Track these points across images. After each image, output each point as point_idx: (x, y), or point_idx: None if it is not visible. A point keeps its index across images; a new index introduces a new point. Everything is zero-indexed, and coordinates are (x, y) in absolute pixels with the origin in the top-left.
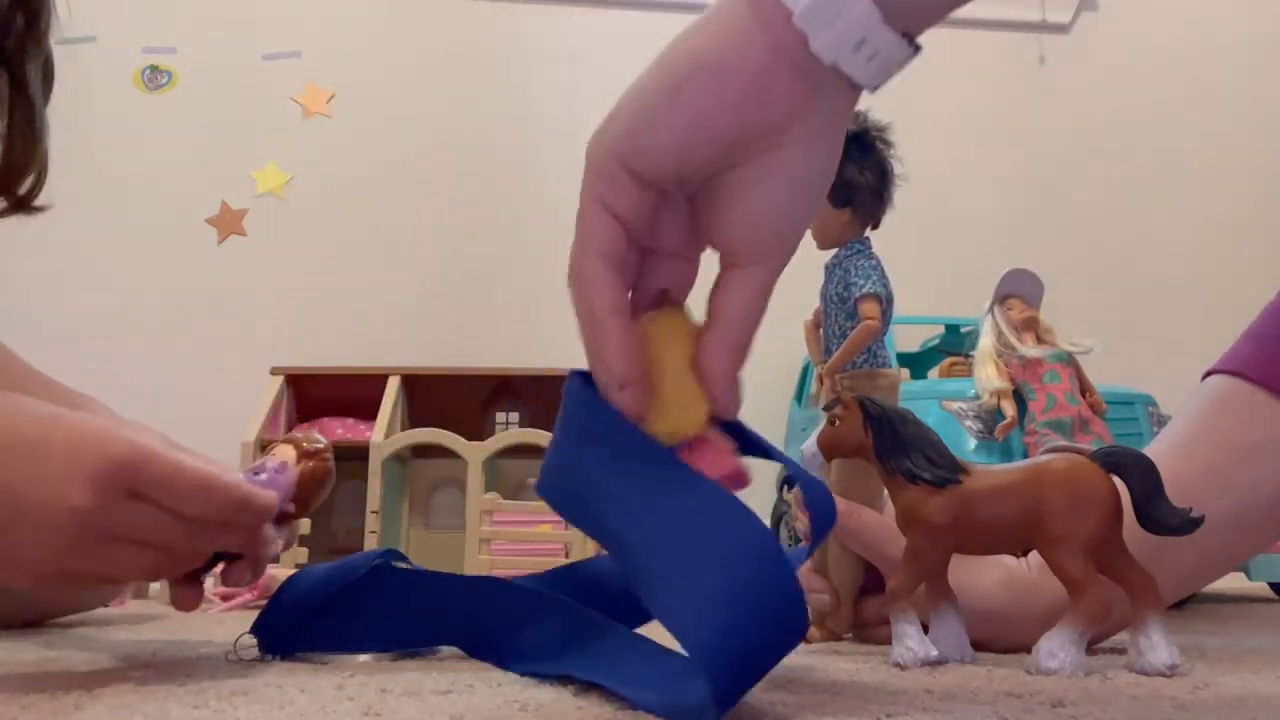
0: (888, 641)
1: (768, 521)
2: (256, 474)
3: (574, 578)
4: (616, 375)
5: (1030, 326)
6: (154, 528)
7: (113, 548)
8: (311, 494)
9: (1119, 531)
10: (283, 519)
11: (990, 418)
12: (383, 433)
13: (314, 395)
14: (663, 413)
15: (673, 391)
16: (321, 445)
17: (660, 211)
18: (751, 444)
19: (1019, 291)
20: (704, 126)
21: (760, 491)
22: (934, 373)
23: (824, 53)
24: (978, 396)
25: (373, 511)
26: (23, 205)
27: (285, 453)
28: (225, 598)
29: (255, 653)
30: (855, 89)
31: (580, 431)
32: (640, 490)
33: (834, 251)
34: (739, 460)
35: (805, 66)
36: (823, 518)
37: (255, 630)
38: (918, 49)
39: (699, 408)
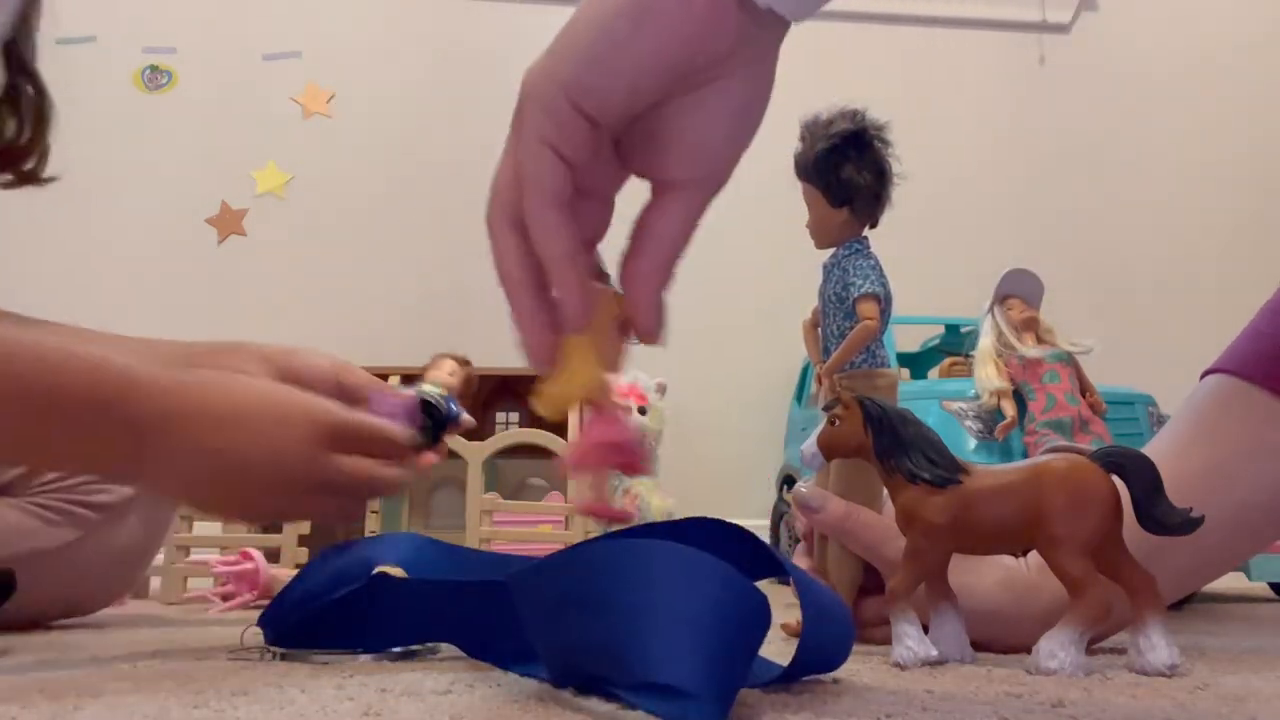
0: (888, 641)
1: (768, 521)
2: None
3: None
4: (572, 320)
5: (1030, 326)
6: (349, 473)
7: (316, 497)
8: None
9: (1119, 531)
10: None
11: (990, 418)
12: None
13: None
14: (567, 376)
15: (578, 356)
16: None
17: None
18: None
19: (1019, 291)
20: (662, 58)
21: (760, 491)
22: (934, 373)
23: None
24: (978, 396)
25: (372, 511)
26: (31, 178)
27: (445, 364)
28: (225, 597)
29: (256, 653)
30: (787, 22)
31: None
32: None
33: (832, 251)
34: (631, 431)
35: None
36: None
37: (262, 622)
38: None
39: (598, 372)
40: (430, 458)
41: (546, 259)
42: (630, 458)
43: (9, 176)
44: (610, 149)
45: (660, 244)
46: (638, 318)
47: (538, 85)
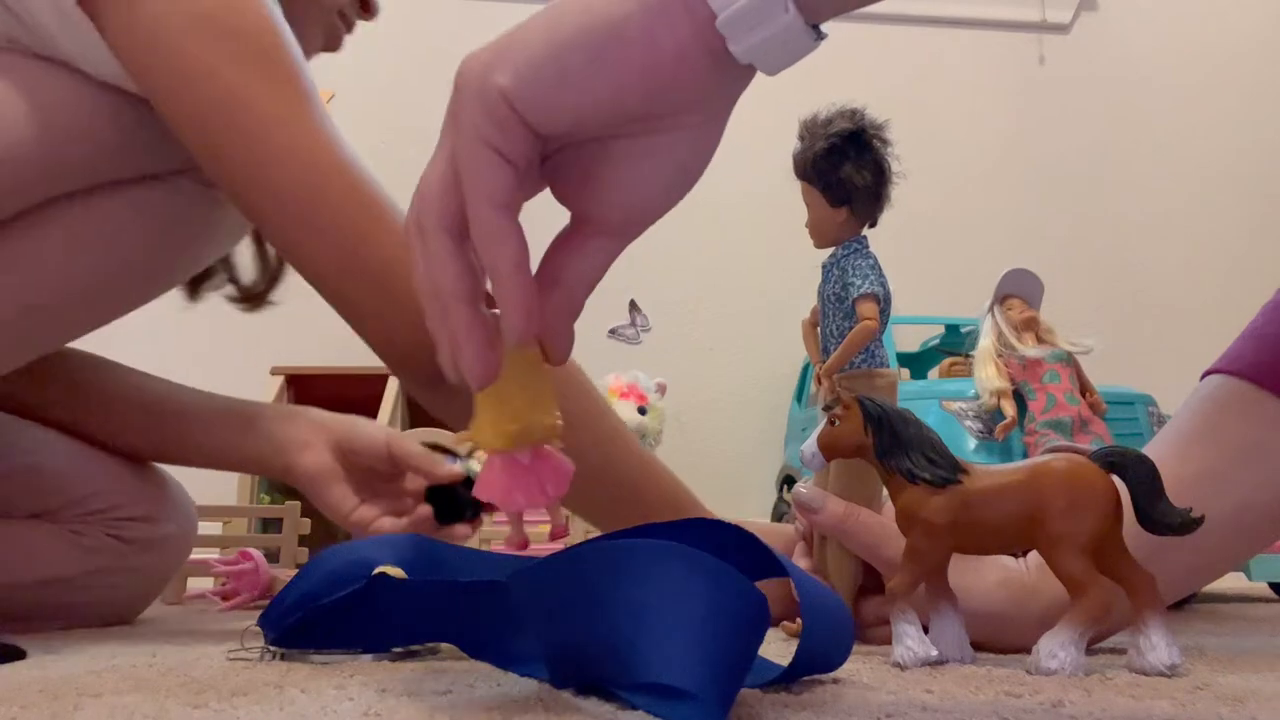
0: (888, 641)
1: (768, 521)
2: None
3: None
4: (516, 333)
5: (1030, 326)
6: None
7: None
8: None
9: (1119, 531)
10: None
11: (990, 418)
12: None
13: (314, 395)
14: (516, 414)
15: (525, 392)
16: None
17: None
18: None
19: (1019, 291)
20: (614, 98)
21: (760, 491)
22: (934, 373)
23: (741, 56)
24: (978, 396)
25: None
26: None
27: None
28: (226, 597)
29: (256, 653)
30: (752, 75)
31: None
32: (601, 586)
33: (830, 250)
34: (568, 467)
35: (721, 55)
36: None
37: (262, 622)
38: (822, 37)
39: (552, 412)
40: (464, 530)
41: (494, 266)
42: (561, 493)
43: (241, 304)
44: (536, 161)
45: (572, 288)
46: (550, 347)
47: (477, 82)
